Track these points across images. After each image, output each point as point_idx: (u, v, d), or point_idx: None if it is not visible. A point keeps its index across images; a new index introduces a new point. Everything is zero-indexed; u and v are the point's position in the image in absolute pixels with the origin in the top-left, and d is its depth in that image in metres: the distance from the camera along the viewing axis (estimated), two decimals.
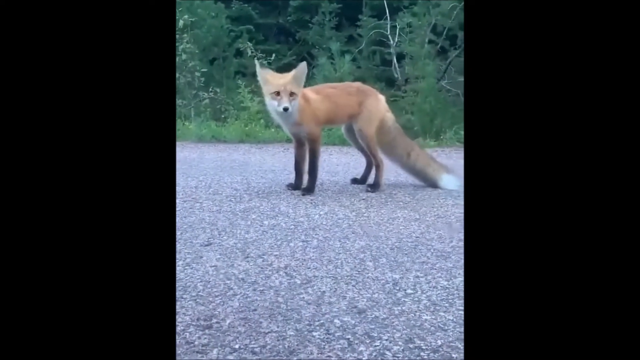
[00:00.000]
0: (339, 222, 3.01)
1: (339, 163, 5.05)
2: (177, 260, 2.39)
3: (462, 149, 6.59)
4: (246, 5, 12.88)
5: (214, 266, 2.33)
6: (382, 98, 3.98)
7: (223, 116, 9.17)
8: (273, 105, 3.51)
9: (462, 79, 11.37)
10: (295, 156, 3.85)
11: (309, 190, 3.70)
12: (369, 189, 3.80)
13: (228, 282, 2.16)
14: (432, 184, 3.93)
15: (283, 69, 11.40)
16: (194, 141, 6.89)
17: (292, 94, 3.46)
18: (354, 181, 4.11)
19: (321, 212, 3.21)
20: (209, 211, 3.25)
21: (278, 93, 3.47)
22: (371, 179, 4.00)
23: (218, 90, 9.89)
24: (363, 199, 3.57)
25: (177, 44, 9.12)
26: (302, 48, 12.98)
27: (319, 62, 10.68)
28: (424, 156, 3.97)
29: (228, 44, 11.62)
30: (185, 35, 9.26)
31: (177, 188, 3.89)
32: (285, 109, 3.44)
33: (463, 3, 9.98)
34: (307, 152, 3.77)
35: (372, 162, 4.00)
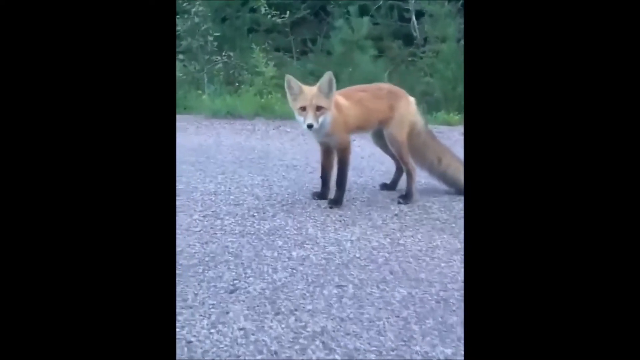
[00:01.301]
0: (374, 254, 2.76)
1: (364, 155, 4.76)
2: (201, 318, 2.17)
3: None
4: None
5: (242, 329, 2.11)
6: (412, 100, 3.67)
7: (237, 83, 8.83)
8: (300, 122, 3.23)
9: None
10: (322, 165, 3.58)
11: (337, 202, 3.45)
12: (401, 200, 3.54)
13: (260, 356, 1.94)
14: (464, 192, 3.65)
15: (297, 24, 11.00)
16: (208, 116, 6.59)
17: (319, 108, 3.17)
18: (384, 187, 3.84)
19: (352, 238, 2.96)
20: (232, 234, 3.02)
21: (304, 108, 3.18)
22: (401, 184, 3.74)
23: (231, 54, 9.52)
24: (396, 215, 3.32)
25: (189, 7, 8.76)
26: (316, 2, 12.47)
27: (336, 24, 10.24)
28: (455, 162, 3.69)
29: (241, 3, 11.13)
30: None
31: (196, 195, 3.65)
32: (310, 126, 3.18)
33: None
34: (335, 161, 3.50)
35: (403, 169, 3.73)
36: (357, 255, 2.75)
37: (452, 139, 5.04)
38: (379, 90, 3.61)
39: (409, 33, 11.69)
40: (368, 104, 3.48)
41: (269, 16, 10.54)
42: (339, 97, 3.43)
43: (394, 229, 3.09)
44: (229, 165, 4.44)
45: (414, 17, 11.46)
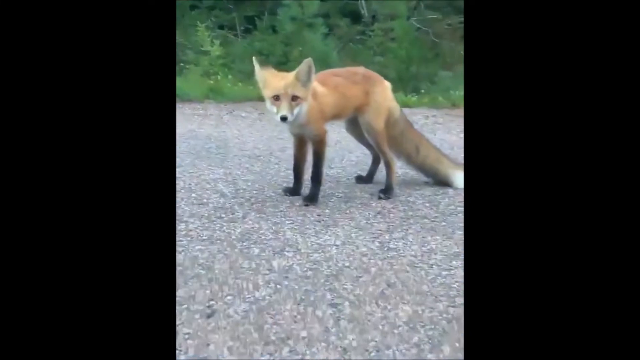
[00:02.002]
0: (364, 262, 2.45)
1: (331, 143, 4.41)
2: (177, 353, 1.81)
3: (451, 109, 6.04)
4: None
5: None
6: (388, 85, 3.37)
7: (181, 63, 8.30)
8: (272, 112, 2.87)
9: (433, 15, 10.72)
10: (294, 157, 3.24)
11: (313, 199, 3.12)
12: (382, 195, 3.24)
13: None
14: (444, 182, 3.40)
15: (240, 0, 10.48)
16: None
17: (295, 97, 2.82)
18: (359, 179, 3.53)
19: (337, 242, 2.64)
20: (199, 240, 2.64)
21: (277, 97, 2.82)
22: (378, 176, 3.44)
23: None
24: (379, 213, 3.02)
25: None
26: None
27: (284, 2, 9.79)
28: (434, 151, 3.42)
29: None
30: None
31: None
32: (284, 118, 2.83)
33: None
34: (308, 153, 3.16)
35: (380, 159, 3.43)
36: (347, 264, 2.43)
37: (417, 123, 4.76)
38: (354, 75, 3.28)
39: (356, 10, 11.40)
40: (344, 90, 3.15)
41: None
42: (314, 83, 3.09)
43: (380, 230, 2.79)
44: (185, 156, 4.02)
45: None
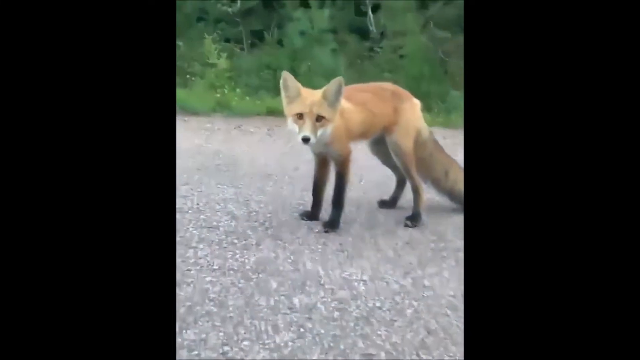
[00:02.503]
0: (398, 302, 2.17)
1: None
2: None
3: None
4: None
5: None
6: (417, 103, 3.11)
7: (187, 75, 8.05)
8: (293, 130, 2.59)
9: (443, 34, 10.49)
10: (315, 178, 2.96)
11: (333, 225, 2.83)
12: (409, 223, 2.95)
13: None
14: None
15: (247, 14, 10.32)
16: None
17: (320, 118, 2.54)
18: (382, 204, 3.25)
19: (364, 277, 2.35)
20: (210, 270, 2.35)
21: (301, 116, 2.54)
22: (402, 202, 3.17)
23: (180, 43, 8.74)
24: (407, 243, 2.73)
25: None
26: None
27: (294, 15, 9.58)
28: (463, 175, 3.14)
29: None
30: None
31: None
32: (306, 140, 2.55)
33: None
34: (330, 173, 2.89)
35: (405, 182, 3.16)
36: (378, 304, 2.14)
37: None
38: (383, 91, 3.01)
39: (364, 27, 11.20)
40: (372, 107, 2.88)
41: (219, 4, 9.81)
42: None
43: (411, 264, 2.50)
44: (192, 173, 3.74)
45: (370, 11, 10.98)
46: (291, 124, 2.61)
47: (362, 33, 11.05)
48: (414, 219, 2.97)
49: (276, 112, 5.54)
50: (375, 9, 10.94)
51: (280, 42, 9.65)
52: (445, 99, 8.77)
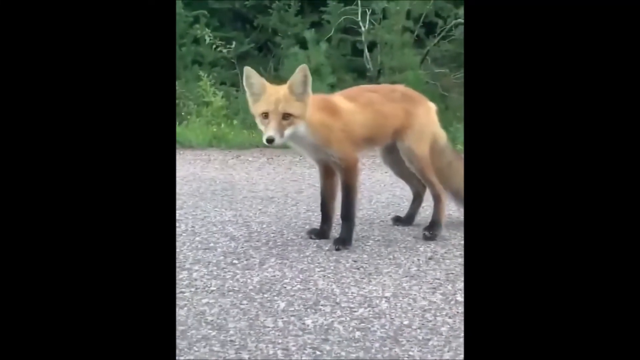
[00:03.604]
0: (429, 319, 1.84)
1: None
2: None
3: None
4: None
5: None
6: (433, 107, 2.83)
7: (183, 113, 7.84)
8: (262, 132, 2.34)
9: (440, 70, 10.37)
10: (321, 191, 2.66)
11: (345, 242, 2.51)
12: (427, 233, 2.64)
13: None
14: None
15: (242, 57, 10.22)
16: None
17: (286, 116, 2.28)
18: (397, 221, 2.93)
19: (387, 294, 2.03)
20: (207, 292, 2.02)
21: (266, 115, 2.28)
22: (418, 219, 2.86)
23: (177, 85, 8.56)
24: (431, 259, 2.41)
25: None
26: (262, 35, 11.71)
27: (289, 52, 9.44)
28: None
29: (185, 31, 10.21)
30: None
31: None
32: (270, 141, 2.29)
33: None
34: (338, 184, 2.59)
35: (422, 194, 2.87)
36: (405, 322, 1.81)
37: None
38: (392, 92, 2.74)
39: (362, 65, 11.09)
40: (380, 108, 2.60)
41: (214, 47, 9.69)
42: (338, 98, 2.57)
43: (439, 280, 2.17)
44: (187, 198, 3.43)
45: (366, 49, 10.88)
46: (259, 126, 2.36)
47: (360, 71, 10.94)
48: (432, 229, 2.65)
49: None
50: (372, 47, 10.86)
51: (278, 77, 9.50)
52: (450, 129, 8.56)
